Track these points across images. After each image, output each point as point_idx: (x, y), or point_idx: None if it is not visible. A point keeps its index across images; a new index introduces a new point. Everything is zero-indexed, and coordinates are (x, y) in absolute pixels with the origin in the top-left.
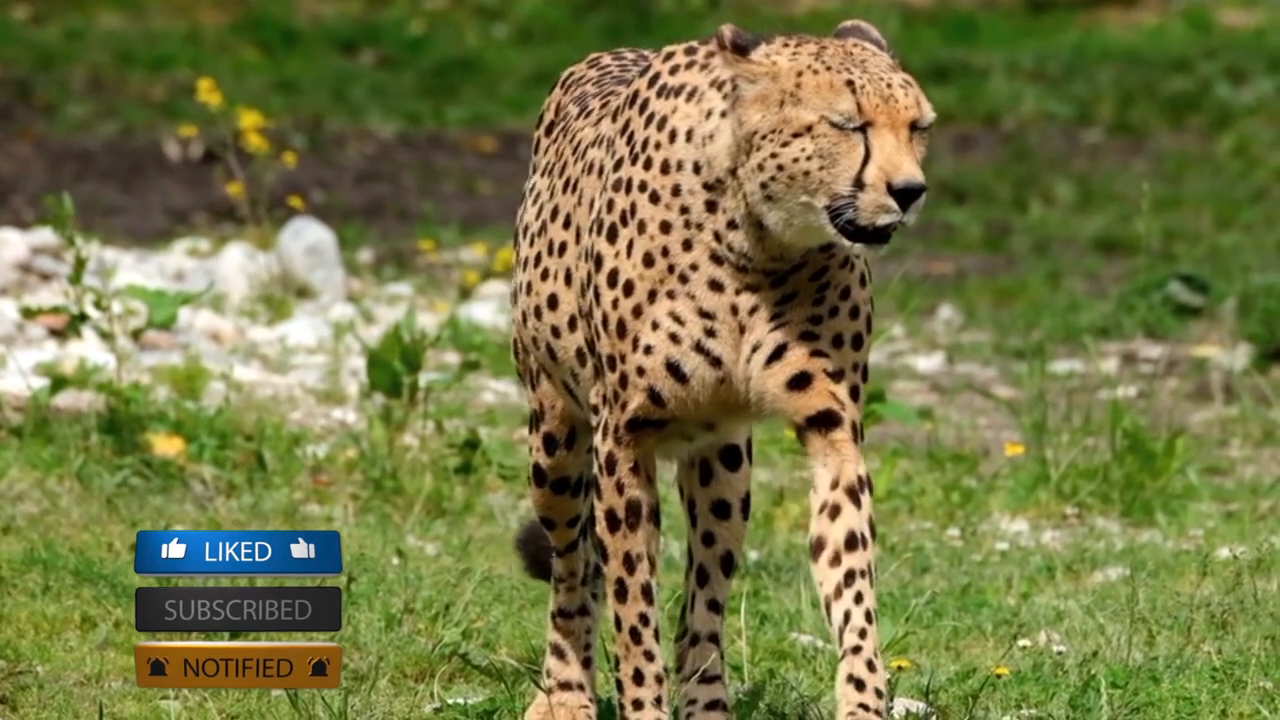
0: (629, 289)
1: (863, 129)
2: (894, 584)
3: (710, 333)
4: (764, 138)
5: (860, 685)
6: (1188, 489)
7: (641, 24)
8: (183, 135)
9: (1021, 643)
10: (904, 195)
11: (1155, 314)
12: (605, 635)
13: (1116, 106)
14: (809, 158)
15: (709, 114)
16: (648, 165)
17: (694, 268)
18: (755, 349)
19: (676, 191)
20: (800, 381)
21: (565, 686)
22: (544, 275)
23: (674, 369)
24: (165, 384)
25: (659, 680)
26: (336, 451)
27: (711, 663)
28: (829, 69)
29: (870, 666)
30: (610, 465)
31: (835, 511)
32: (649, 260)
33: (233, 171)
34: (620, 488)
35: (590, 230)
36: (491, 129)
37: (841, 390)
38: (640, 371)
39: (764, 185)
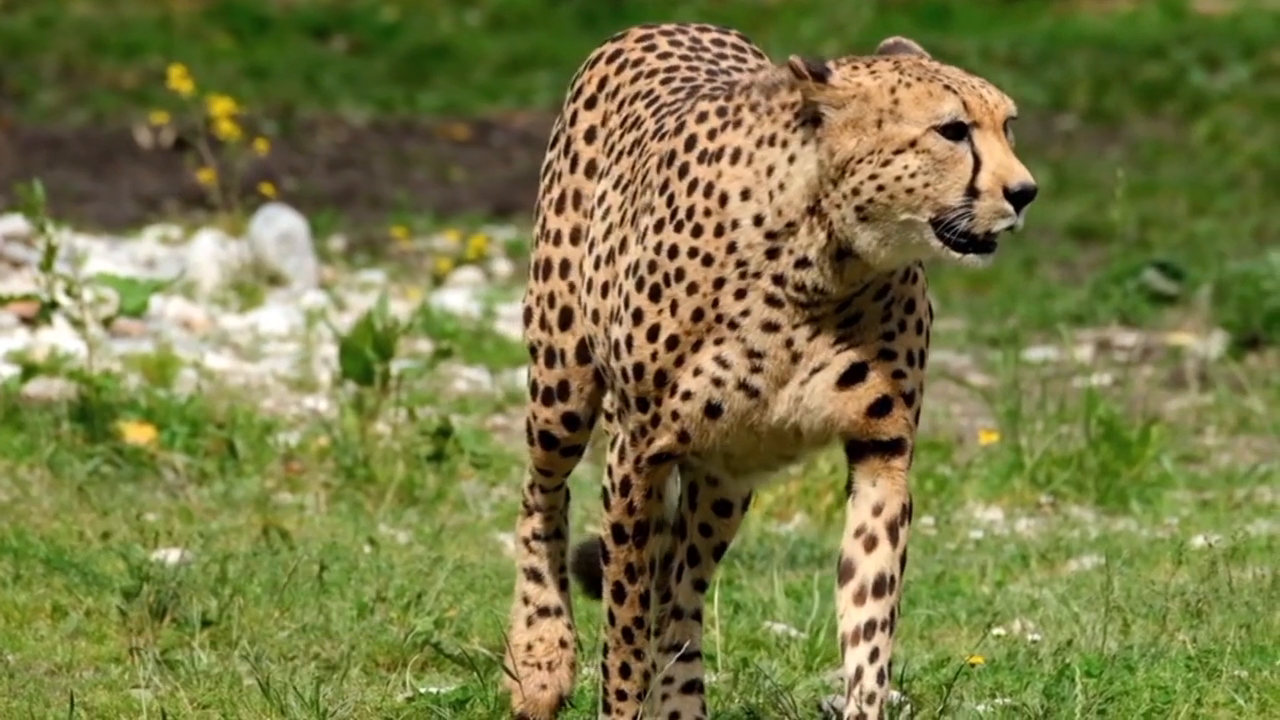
0: (672, 343)
1: (968, 135)
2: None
3: (755, 370)
4: (859, 161)
5: None
6: (1162, 477)
7: (615, 10)
8: (154, 122)
9: (996, 631)
10: (1019, 198)
11: (1130, 301)
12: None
13: (1091, 93)
14: (913, 174)
15: (770, 170)
16: (697, 232)
17: (745, 314)
18: (816, 370)
19: (732, 249)
20: (882, 407)
21: (544, 612)
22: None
23: (713, 410)
24: (136, 372)
25: (645, 676)
26: (308, 439)
27: (691, 641)
28: (920, 79)
29: None
30: (625, 487)
31: (871, 543)
32: (698, 316)
33: (204, 159)
34: (631, 509)
35: (627, 275)
36: (464, 116)
37: (911, 415)
38: (675, 416)
39: (860, 209)
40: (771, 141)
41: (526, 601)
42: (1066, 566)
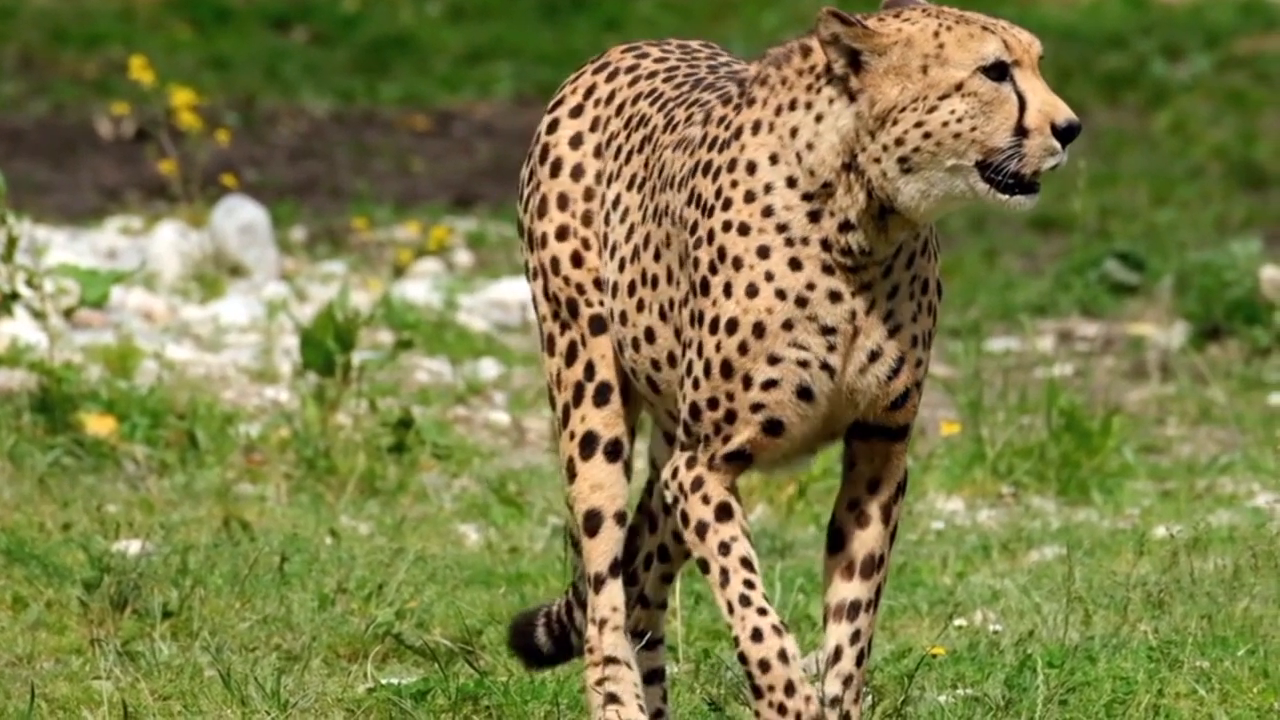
0: (732, 327)
1: (1010, 76)
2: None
3: (831, 348)
4: (904, 110)
5: None
6: (1124, 468)
7: (575, 2)
8: (115, 113)
9: (957, 622)
10: (1066, 134)
11: (1091, 292)
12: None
13: (1052, 83)
14: (960, 118)
15: (794, 132)
16: (727, 205)
17: (811, 287)
18: (874, 357)
19: (769, 213)
20: (903, 399)
21: None
22: (639, 306)
23: (805, 393)
24: (97, 363)
25: (777, 632)
26: (269, 431)
27: (654, 629)
28: (958, 22)
29: None
30: (697, 485)
31: (864, 520)
32: (753, 291)
33: (165, 149)
34: (707, 499)
35: (683, 298)
36: (425, 107)
37: (918, 401)
38: (756, 408)
39: (904, 159)
40: (792, 106)
41: None
42: (1028, 557)
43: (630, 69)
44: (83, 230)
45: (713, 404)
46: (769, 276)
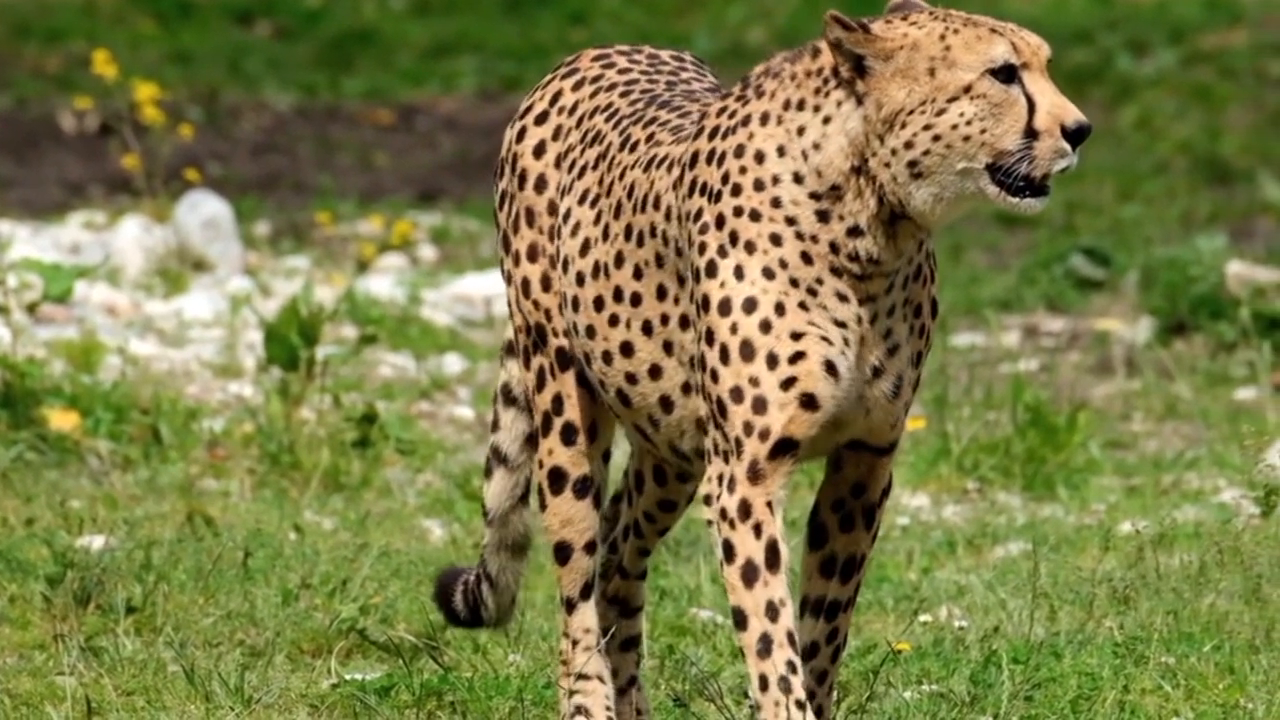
0: (750, 306)
1: (1019, 77)
2: (794, 559)
3: (846, 341)
4: (911, 113)
5: None
6: (1089, 463)
7: None
8: (78, 108)
9: (922, 618)
10: (1076, 136)
11: (1057, 287)
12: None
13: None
14: (969, 121)
15: (801, 130)
16: (736, 191)
17: (820, 281)
18: (877, 372)
19: (777, 204)
20: (894, 423)
21: None
22: (612, 321)
23: (831, 368)
24: (61, 358)
25: None
26: (233, 425)
27: (632, 597)
28: (965, 25)
29: (819, 716)
30: (744, 510)
31: (848, 523)
32: (769, 274)
33: (128, 144)
34: (758, 530)
35: (689, 297)
36: (388, 101)
37: (907, 419)
38: (788, 383)
39: (913, 163)
40: (800, 106)
41: None
42: (993, 553)
43: (595, 79)
44: (46, 225)
45: (737, 395)
46: (783, 264)
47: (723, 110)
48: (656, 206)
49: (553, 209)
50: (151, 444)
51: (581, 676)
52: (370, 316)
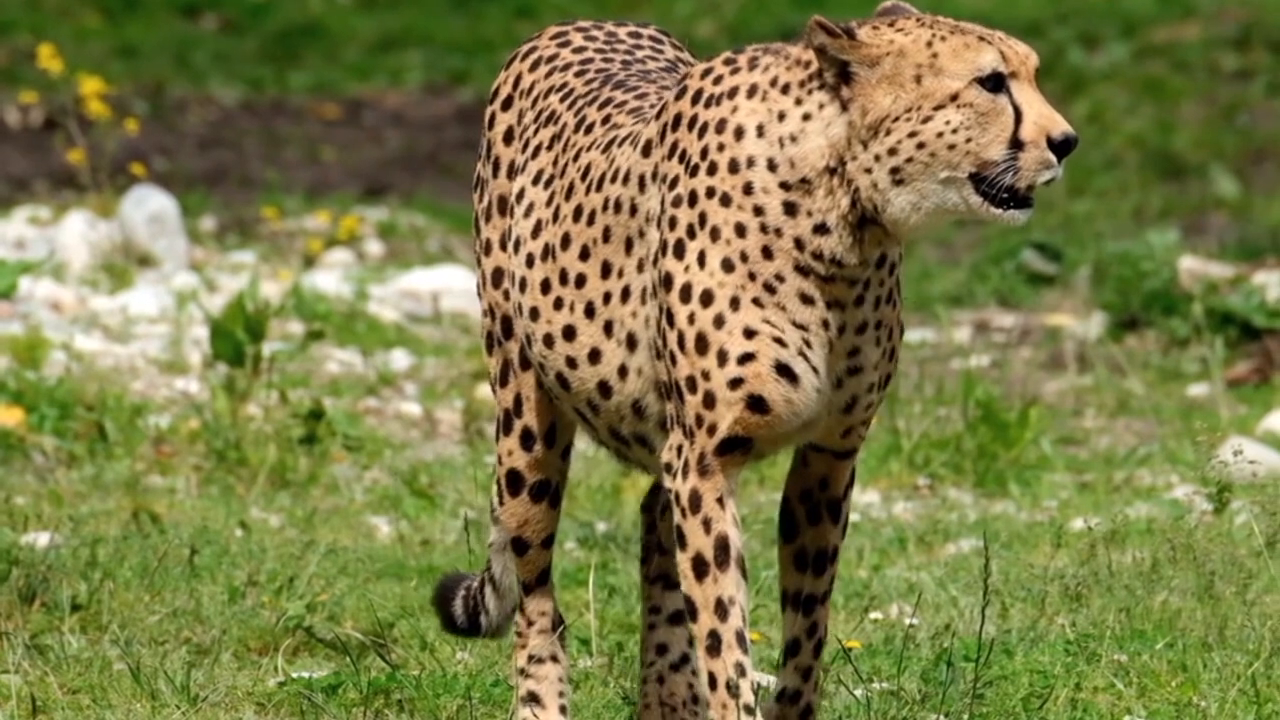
0: (707, 299)
1: (1006, 87)
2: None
3: (807, 343)
4: (896, 120)
5: None
6: (1041, 460)
7: None
8: (23, 102)
9: (873, 615)
10: (1062, 148)
11: (1008, 282)
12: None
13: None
14: (954, 129)
15: (781, 115)
16: (712, 169)
17: (779, 279)
18: (838, 384)
19: (749, 190)
20: (848, 433)
21: None
22: (556, 304)
23: (784, 370)
24: (5, 354)
25: None
26: (179, 422)
27: (674, 574)
28: (953, 32)
29: (806, 714)
30: (695, 502)
31: (815, 516)
32: (728, 266)
33: (74, 138)
34: (707, 525)
35: (654, 264)
36: (335, 95)
37: (866, 432)
38: (735, 383)
39: (895, 170)
40: (785, 89)
41: None
42: (944, 550)
43: (550, 59)
44: None
45: (691, 384)
46: (744, 256)
47: (708, 73)
48: (626, 181)
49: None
50: (97, 440)
51: (535, 660)
52: (317, 312)
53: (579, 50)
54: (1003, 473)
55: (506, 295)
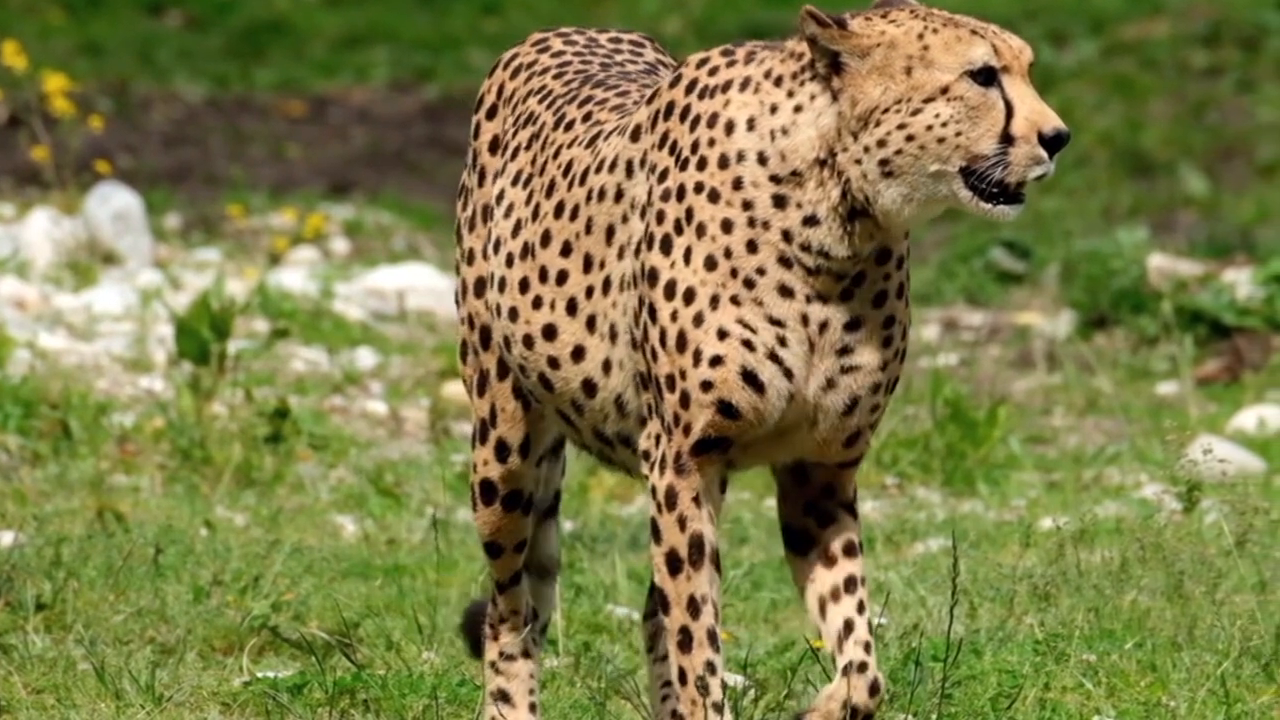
0: (689, 297)
1: (998, 81)
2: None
3: (781, 341)
4: (885, 111)
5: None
6: (1010, 458)
7: None
8: None
9: None
10: (1054, 144)
11: (977, 280)
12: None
13: None
14: (944, 123)
15: (774, 108)
16: (702, 165)
17: (760, 272)
18: (828, 385)
19: (738, 185)
20: (854, 438)
21: None
22: (536, 303)
23: (750, 377)
24: None
25: None
26: (144, 420)
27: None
28: (945, 25)
29: (874, 689)
30: (670, 499)
31: (828, 518)
32: (711, 264)
33: (38, 135)
34: (683, 523)
35: (635, 253)
36: (300, 92)
37: (872, 436)
38: (707, 386)
39: (884, 161)
40: (778, 82)
41: None
42: (913, 549)
43: (530, 64)
44: None
45: (670, 383)
46: (728, 253)
47: (704, 62)
48: (612, 168)
49: None
50: (61, 439)
51: (506, 656)
52: (282, 310)
53: (558, 54)
54: (971, 472)
55: (488, 305)
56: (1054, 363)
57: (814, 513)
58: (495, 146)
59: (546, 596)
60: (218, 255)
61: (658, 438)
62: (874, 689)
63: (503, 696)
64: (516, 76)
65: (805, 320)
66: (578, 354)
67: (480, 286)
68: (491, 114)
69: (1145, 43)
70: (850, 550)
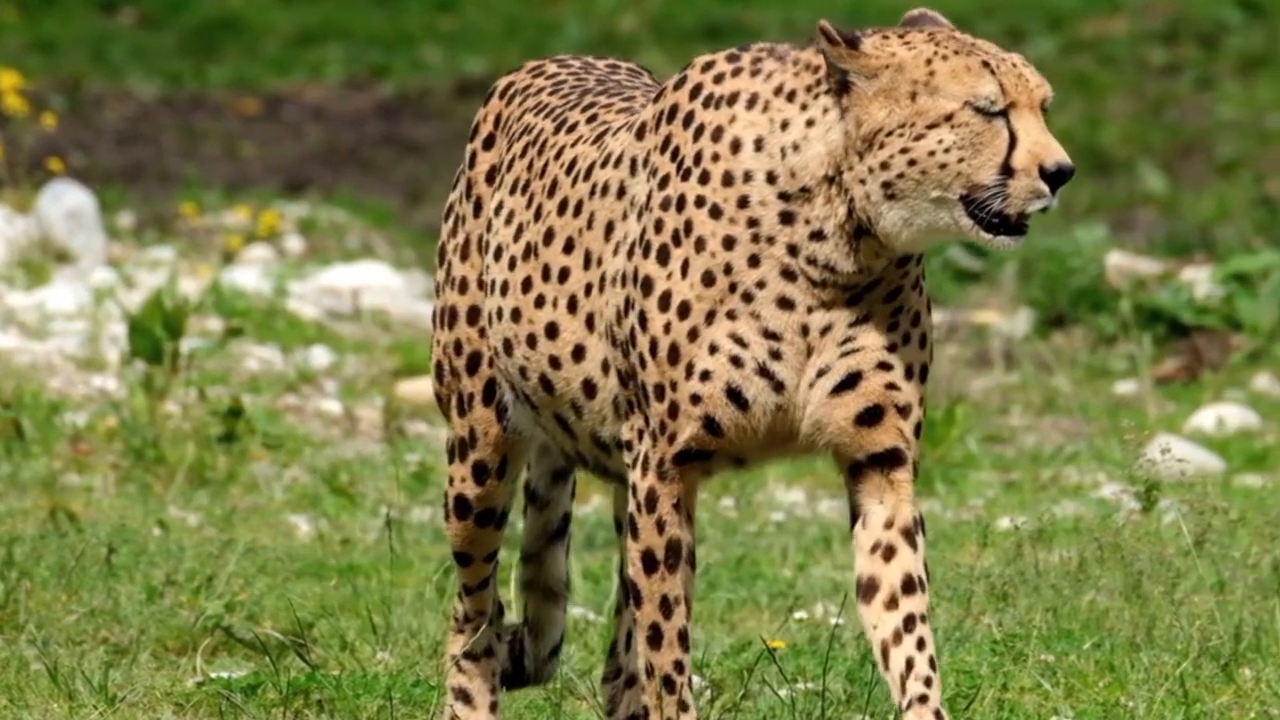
0: (684, 311)
1: (1004, 112)
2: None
3: (775, 355)
4: (889, 134)
5: None
6: (967, 458)
7: None
8: None
9: (798, 615)
10: (1055, 178)
11: (935, 279)
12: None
13: None
14: (947, 149)
15: (785, 124)
16: (704, 179)
17: (760, 285)
18: (821, 373)
19: (744, 203)
20: (871, 416)
21: None
22: (538, 302)
23: (735, 395)
24: None
25: None
26: (97, 420)
27: (639, 704)
28: (956, 52)
29: (938, 717)
30: (650, 502)
31: (890, 553)
32: (709, 279)
33: None
34: (661, 526)
35: (629, 254)
36: (254, 90)
37: (908, 427)
38: (695, 400)
39: (887, 184)
40: (790, 97)
41: None
42: None
43: (524, 88)
44: None
45: (659, 392)
46: (728, 268)
47: (709, 66)
48: (618, 164)
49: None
50: (13, 438)
51: (469, 656)
52: (236, 309)
53: (553, 76)
54: (929, 471)
55: (482, 333)
56: (1012, 362)
57: (877, 550)
58: (493, 177)
59: (556, 619)
60: (171, 254)
61: (640, 433)
62: (938, 717)
63: (463, 695)
64: (512, 103)
65: (805, 330)
66: (578, 353)
67: (473, 315)
68: (489, 144)
69: (1104, 40)
70: (910, 586)
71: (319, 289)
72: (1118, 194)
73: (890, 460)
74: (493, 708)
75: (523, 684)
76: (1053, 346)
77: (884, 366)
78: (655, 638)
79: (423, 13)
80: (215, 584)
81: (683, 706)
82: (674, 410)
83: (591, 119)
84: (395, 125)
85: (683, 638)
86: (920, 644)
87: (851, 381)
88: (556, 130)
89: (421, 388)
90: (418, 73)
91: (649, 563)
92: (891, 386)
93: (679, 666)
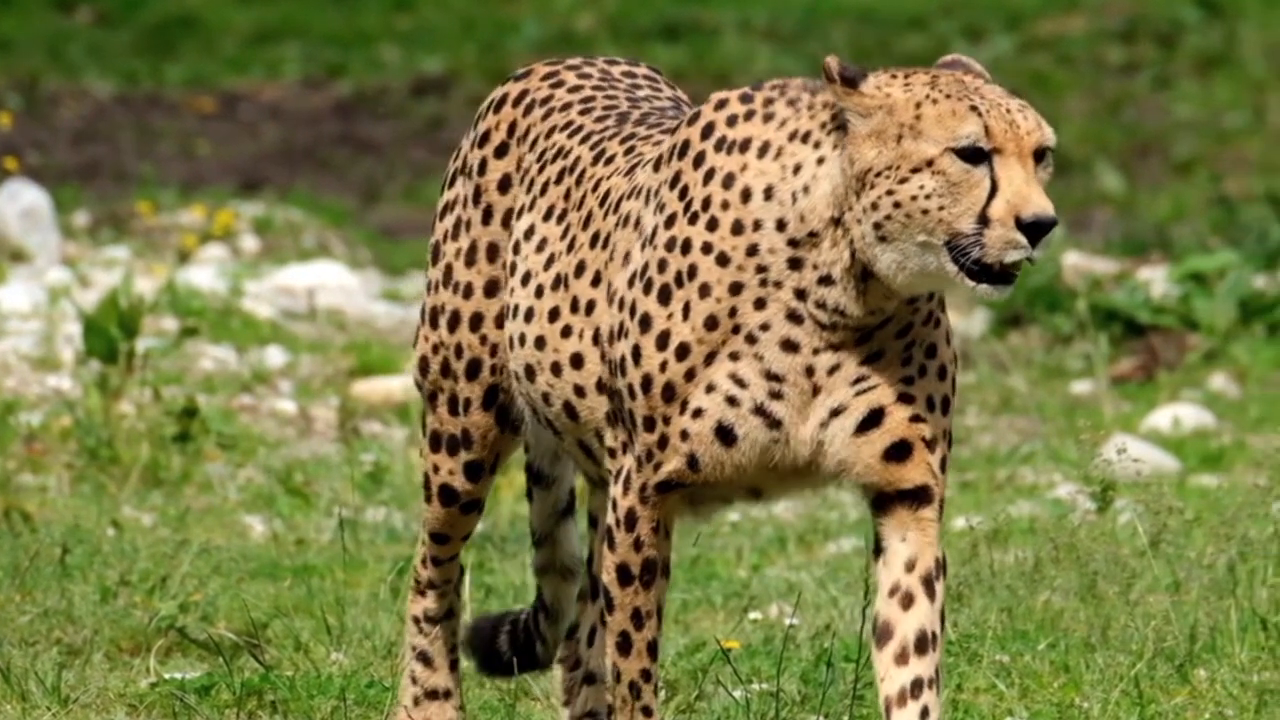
0: (683, 352)
1: (989, 159)
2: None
3: (775, 395)
4: (879, 175)
5: None
6: None
7: None
8: None
9: (752, 615)
10: (1034, 230)
11: None
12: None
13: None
14: (928, 195)
15: (797, 169)
16: (712, 225)
17: (765, 328)
18: (836, 413)
19: (753, 251)
20: (899, 452)
21: (432, 695)
22: (565, 332)
23: (724, 433)
24: None
25: None
26: (51, 419)
27: (599, 703)
28: (948, 97)
29: None
30: (630, 522)
31: (908, 601)
32: (712, 323)
33: None
34: (638, 545)
35: (630, 284)
36: (211, 89)
37: (935, 461)
38: (684, 436)
39: (877, 225)
40: (805, 139)
41: (414, 681)
42: (825, 549)
43: (545, 100)
44: None
45: (649, 424)
46: (732, 312)
47: (723, 105)
48: (639, 196)
49: (517, 246)
50: None
51: (429, 619)
52: (191, 308)
53: (575, 89)
54: None
55: (483, 340)
56: (968, 361)
57: (895, 594)
58: (507, 185)
59: (571, 598)
60: (126, 253)
61: (624, 446)
62: None
63: (423, 657)
64: (531, 113)
65: (810, 371)
66: (600, 386)
67: (476, 321)
68: (501, 152)
69: (1061, 39)
70: (922, 645)
71: (274, 288)
72: (1075, 193)
73: (918, 498)
74: (453, 666)
75: (535, 667)
76: (1009, 346)
77: (905, 399)
78: (624, 645)
79: (380, 12)
80: (169, 584)
81: (646, 712)
82: (663, 442)
83: (629, 151)
84: (352, 124)
85: (651, 648)
86: (924, 714)
87: (875, 418)
88: (595, 161)
89: (377, 387)
90: (374, 72)
91: (624, 576)
92: (916, 419)
93: (646, 675)
